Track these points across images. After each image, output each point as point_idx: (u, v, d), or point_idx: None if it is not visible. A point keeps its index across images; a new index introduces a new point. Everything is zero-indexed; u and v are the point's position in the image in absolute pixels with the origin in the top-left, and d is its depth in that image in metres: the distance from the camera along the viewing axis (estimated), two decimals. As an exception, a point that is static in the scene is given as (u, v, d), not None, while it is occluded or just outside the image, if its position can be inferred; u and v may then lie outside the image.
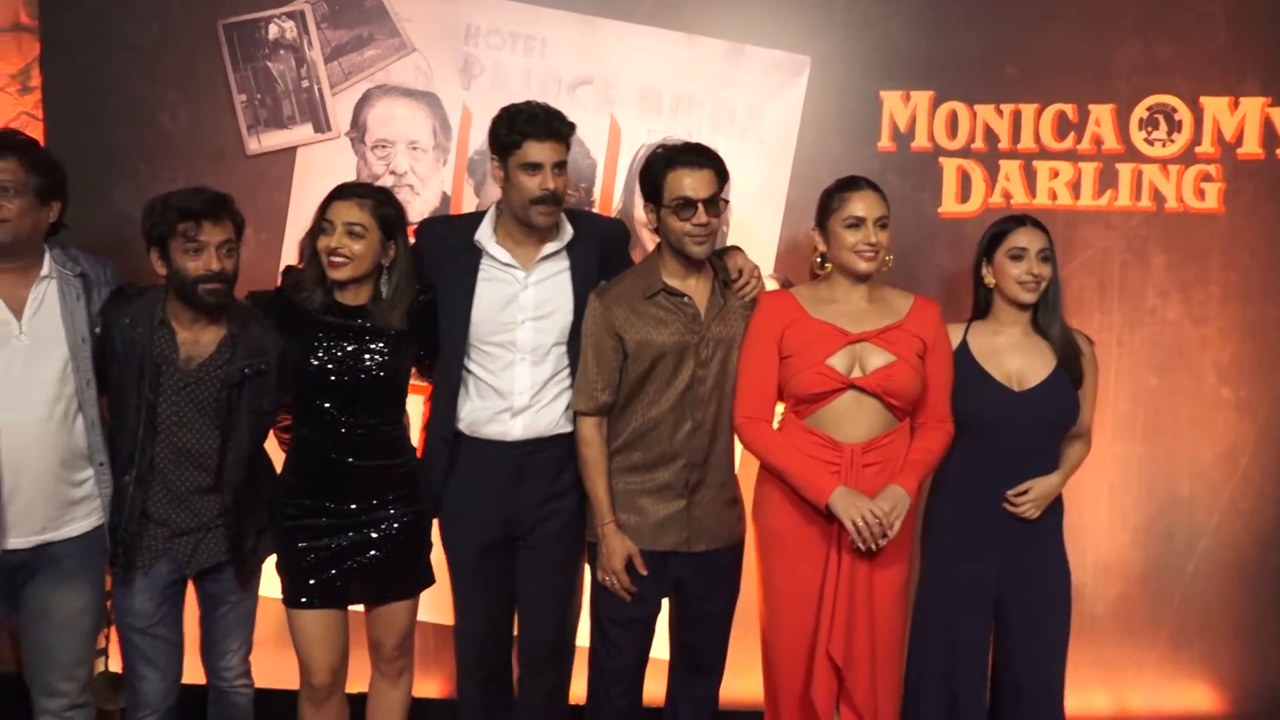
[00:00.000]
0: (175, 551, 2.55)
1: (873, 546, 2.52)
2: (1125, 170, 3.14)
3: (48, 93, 3.14)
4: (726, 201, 2.62)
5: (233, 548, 2.59)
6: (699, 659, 2.77)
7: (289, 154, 3.12)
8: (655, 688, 2.84)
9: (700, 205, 2.53)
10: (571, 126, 2.62)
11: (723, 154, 2.62)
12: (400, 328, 2.60)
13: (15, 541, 2.46)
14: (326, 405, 2.58)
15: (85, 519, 2.54)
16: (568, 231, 2.70)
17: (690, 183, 2.53)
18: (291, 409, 2.67)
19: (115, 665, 3.01)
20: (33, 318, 2.48)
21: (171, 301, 2.52)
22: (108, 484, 2.55)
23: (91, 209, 2.85)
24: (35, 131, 3.24)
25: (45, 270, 2.51)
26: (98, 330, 2.54)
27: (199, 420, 2.52)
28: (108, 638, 3.07)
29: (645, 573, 2.62)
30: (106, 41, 3.10)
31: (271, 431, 2.70)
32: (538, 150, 2.55)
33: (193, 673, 2.72)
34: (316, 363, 2.56)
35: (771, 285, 2.96)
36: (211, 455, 2.54)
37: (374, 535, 2.62)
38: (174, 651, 2.64)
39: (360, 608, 2.71)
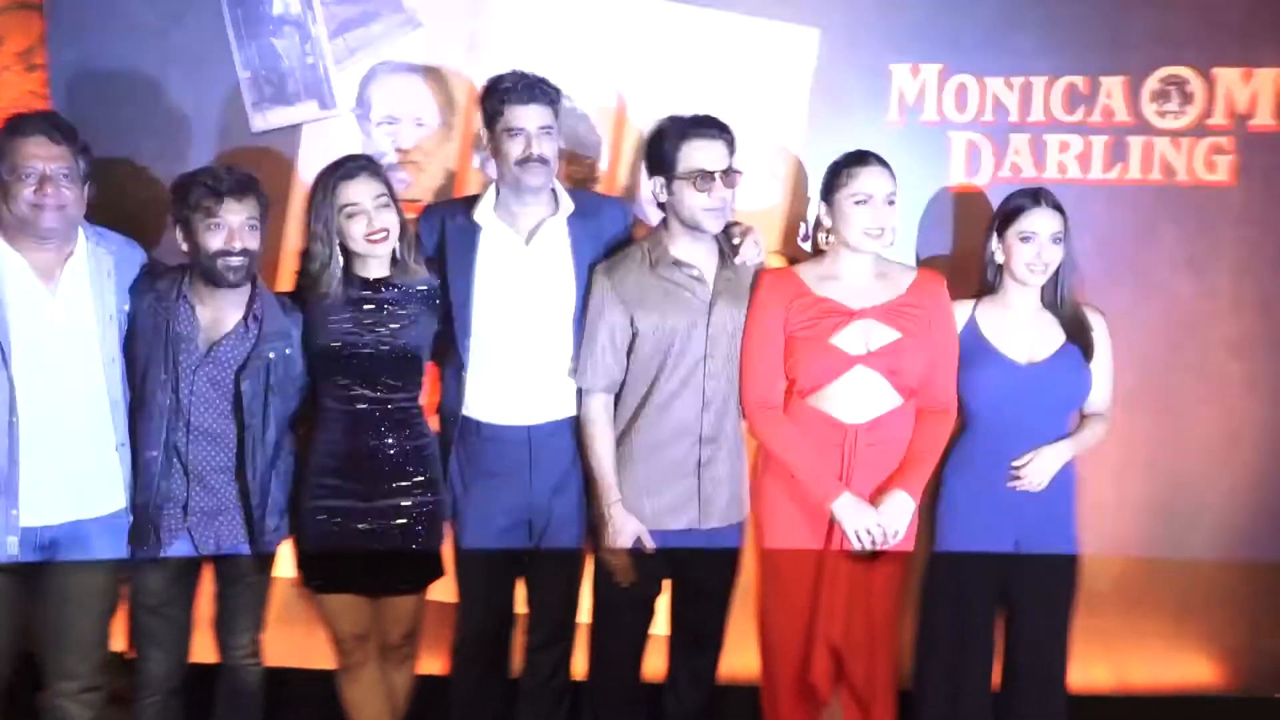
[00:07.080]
0: (192, 531, 2.56)
1: (872, 550, 2.52)
2: (1136, 143, 3.09)
3: (53, 71, 3.12)
4: (740, 173, 2.59)
5: (252, 530, 2.60)
6: (699, 634, 2.78)
7: (294, 131, 3.10)
8: (654, 663, 2.85)
9: (718, 177, 2.50)
10: (557, 91, 2.60)
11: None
12: (430, 279, 2.62)
13: (44, 518, 2.46)
14: (346, 382, 2.59)
15: (110, 499, 2.54)
16: (568, 205, 2.68)
17: (705, 155, 2.51)
18: (314, 390, 2.66)
19: (120, 645, 3.04)
20: (64, 295, 2.47)
21: (195, 279, 2.53)
22: (127, 464, 2.55)
23: (97, 187, 2.85)
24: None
25: (77, 248, 2.51)
26: (126, 308, 2.54)
27: (218, 400, 2.53)
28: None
29: (653, 551, 2.62)
30: (111, 18, 3.07)
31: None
32: (520, 115, 2.54)
33: (204, 651, 2.74)
34: (338, 340, 2.57)
35: (777, 262, 2.95)
36: (231, 436, 2.54)
37: (390, 524, 2.61)
38: (182, 633, 2.65)
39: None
